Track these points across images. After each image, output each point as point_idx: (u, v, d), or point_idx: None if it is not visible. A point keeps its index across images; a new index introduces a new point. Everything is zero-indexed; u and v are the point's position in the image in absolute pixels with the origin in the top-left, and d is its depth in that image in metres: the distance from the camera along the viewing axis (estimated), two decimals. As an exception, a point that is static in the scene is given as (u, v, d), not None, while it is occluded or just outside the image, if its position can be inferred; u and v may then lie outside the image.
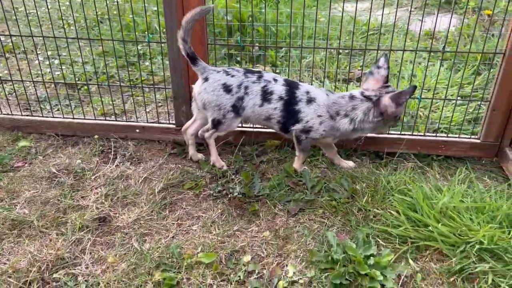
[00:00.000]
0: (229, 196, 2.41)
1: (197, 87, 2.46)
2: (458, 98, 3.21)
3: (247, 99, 2.39)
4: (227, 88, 2.38)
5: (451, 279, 1.92)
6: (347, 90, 2.69)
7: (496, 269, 1.91)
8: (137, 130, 2.85)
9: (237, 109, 2.40)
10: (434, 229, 2.05)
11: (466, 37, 4.16)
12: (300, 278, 1.92)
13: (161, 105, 3.32)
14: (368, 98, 2.33)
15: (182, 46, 2.35)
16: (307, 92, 2.39)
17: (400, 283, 1.90)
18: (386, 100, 2.27)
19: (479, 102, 2.99)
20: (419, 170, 2.62)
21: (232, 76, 2.40)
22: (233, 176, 2.55)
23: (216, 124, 2.46)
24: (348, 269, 1.91)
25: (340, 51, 4.10)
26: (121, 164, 2.67)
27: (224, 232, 2.17)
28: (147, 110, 3.18)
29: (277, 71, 3.84)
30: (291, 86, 2.41)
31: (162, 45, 2.66)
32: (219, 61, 3.88)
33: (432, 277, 1.94)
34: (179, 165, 2.68)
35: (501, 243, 1.97)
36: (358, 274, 1.90)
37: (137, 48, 3.27)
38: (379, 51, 2.73)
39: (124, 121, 2.92)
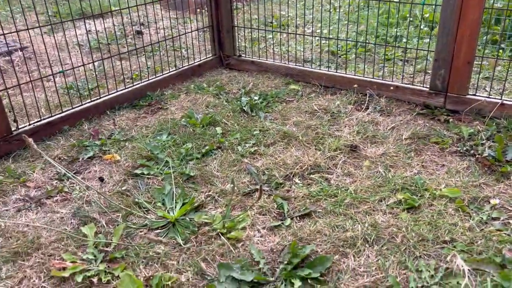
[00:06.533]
0: (477, 156, 2.41)
1: None
2: None
3: None
4: None
5: None
6: None
7: None
8: (391, 88, 3.10)
9: None
10: None
11: None
12: None
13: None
14: None
15: None
16: None
17: None
18: None
19: None
20: None
21: None
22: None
23: None
24: None
25: None
26: (371, 113, 2.97)
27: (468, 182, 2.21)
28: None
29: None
30: None
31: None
32: None
33: None
34: (427, 124, 2.80)
35: None
36: None
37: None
38: None
39: (380, 78, 3.20)
